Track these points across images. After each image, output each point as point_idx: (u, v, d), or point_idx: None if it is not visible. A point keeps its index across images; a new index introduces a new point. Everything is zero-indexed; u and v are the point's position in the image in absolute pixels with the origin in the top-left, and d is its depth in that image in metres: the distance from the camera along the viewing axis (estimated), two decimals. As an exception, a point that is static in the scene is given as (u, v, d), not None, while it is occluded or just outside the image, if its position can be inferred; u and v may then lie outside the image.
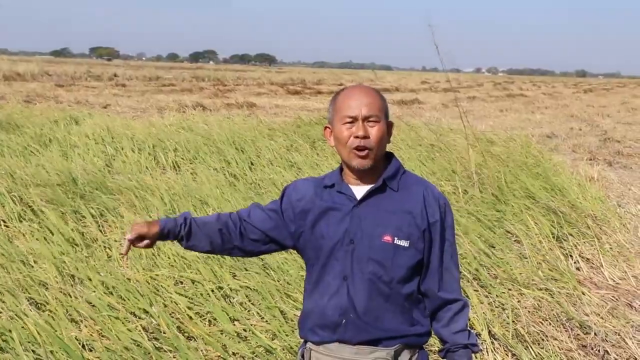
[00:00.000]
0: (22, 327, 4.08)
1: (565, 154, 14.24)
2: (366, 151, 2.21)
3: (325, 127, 2.35)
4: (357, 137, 2.20)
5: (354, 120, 2.21)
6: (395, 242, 2.21)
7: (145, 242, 2.29)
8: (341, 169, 2.35)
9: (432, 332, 2.38)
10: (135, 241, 2.28)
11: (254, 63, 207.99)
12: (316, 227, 2.30)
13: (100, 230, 6.31)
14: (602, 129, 20.53)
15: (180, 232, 2.34)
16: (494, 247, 6.09)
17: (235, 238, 2.39)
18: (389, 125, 2.29)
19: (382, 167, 2.28)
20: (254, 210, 2.42)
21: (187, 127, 13.16)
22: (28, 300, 4.65)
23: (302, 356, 2.36)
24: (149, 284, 4.85)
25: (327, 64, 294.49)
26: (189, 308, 4.61)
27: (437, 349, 2.78)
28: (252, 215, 2.40)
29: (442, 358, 2.36)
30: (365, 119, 2.21)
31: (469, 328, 2.35)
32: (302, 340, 2.41)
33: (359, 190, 2.27)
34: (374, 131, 2.21)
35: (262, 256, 5.36)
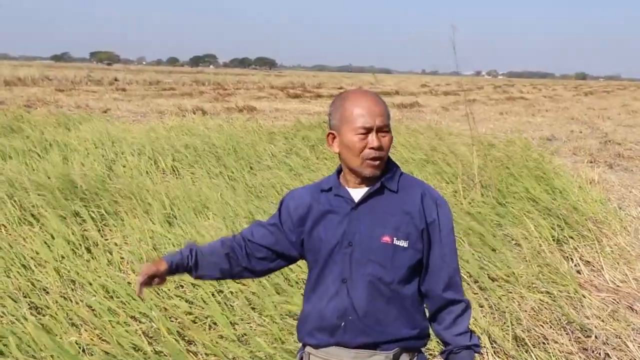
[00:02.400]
0: (23, 331, 4.08)
1: (565, 157, 14.24)
2: (379, 161, 2.22)
3: (329, 134, 2.31)
4: (372, 148, 2.19)
5: (368, 131, 2.20)
6: (394, 242, 2.21)
7: (156, 280, 2.31)
8: (338, 173, 2.35)
9: (432, 334, 2.38)
10: (146, 282, 2.30)
11: (254, 67, 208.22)
12: (314, 230, 2.30)
13: (101, 234, 6.31)
14: (602, 131, 20.53)
15: (188, 263, 2.35)
16: (494, 250, 6.08)
17: (242, 260, 2.40)
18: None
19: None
20: (256, 228, 2.43)
21: (187, 131, 13.16)
22: (29, 305, 4.64)
23: (301, 359, 2.37)
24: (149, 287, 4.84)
25: (327, 67, 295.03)
26: (189, 312, 4.61)
27: (435, 353, 2.78)
28: (255, 233, 2.41)
29: (444, 359, 2.36)
30: (379, 129, 2.21)
31: (470, 329, 2.34)
32: (300, 345, 2.41)
33: (357, 192, 2.27)
34: (385, 141, 2.22)
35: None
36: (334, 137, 2.28)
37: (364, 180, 2.26)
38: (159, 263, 2.32)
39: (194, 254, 2.37)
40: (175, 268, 2.34)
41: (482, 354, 4.30)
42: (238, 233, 2.47)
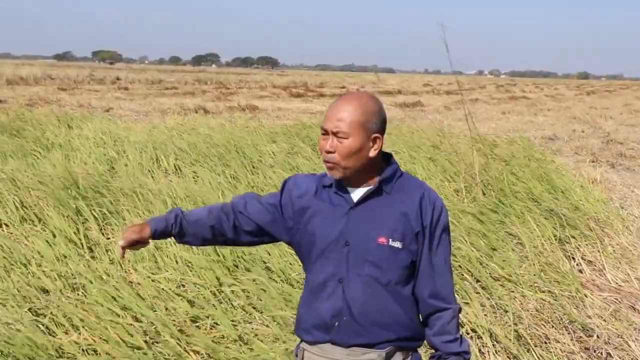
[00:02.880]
0: (21, 330, 4.07)
1: (567, 156, 14.23)
2: (331, 164, 2.23)
3: None
4: (324, 150, 2.23)
5: (326, 133, 2.23)
6: (390, 243, 2.22)
7: (139, 245, 2.34)
8: None
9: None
10: (128, 247, 2.30)
11: (256, 66, 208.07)
12: (309, 225, 2.30)
13: (103, 234, 6.31)
14: (604, 130, 20.50)
15: (172, 231, 2.37)
16: (495, 249, 6.08)
17: (228, 231, 2.40)
18: (374, 140, 2.23)
19: (377, 169, 2.28)
20: (251, 201, 2.41)
21: (189, 130, 13.16)
22: (29, 305, 4.64)
23: (297, 356, 2.38)
24: (150, 287, 4.84)
25: (330, 66, 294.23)
26: (190, 312, 4.60)
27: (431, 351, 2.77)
28: (249, 207, 2.40)
29: None
30: (335, 134, 2.21)
31: (460, 335, 2.34)
32: (299, 340, 2.42)
33: (356, 192, 2.28)
34: (340, 147, 2.20)
35: (265, 259, 5.36)
36: None
37: (351, 181, 2.27)
38: (143, 229, 2.33)
39: (178, 222, 2.37)
40: (160, 234, 2.36)
41: (482, 351, 4.29)
42: (229, 202, 2.45)
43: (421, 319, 2.34)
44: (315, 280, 2.30)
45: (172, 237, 2.40)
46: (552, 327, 4.82)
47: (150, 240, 2.36)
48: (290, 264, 5.23)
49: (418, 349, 2.36)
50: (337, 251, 2.24)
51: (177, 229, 2.36)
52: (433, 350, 2.36)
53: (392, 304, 2.25)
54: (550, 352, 4.46)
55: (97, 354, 3.96)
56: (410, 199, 2.26)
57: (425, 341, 2.36)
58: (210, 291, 4.81)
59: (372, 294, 2.23)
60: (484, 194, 7.90)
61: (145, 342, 4.10)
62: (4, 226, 6.47)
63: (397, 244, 2.22)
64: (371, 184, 2.27)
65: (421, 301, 2.30)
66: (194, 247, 4.85)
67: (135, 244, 2.32)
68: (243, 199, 2.43)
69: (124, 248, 2.30)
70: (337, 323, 2.24)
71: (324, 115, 2.26)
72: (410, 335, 2.29)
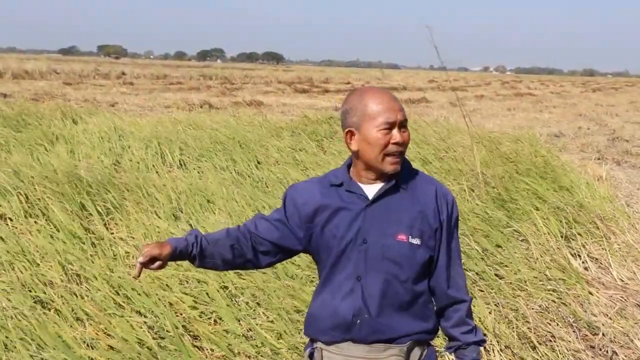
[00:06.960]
0: (27, 325, 4.07)
1: (573, 153, 14.18)
2: (401, 157, 2.24)
3: (348, 131, 2.27)
4: (395, 143, 2.21)
5: (391, 126, 2.21)
6: (409, 240, 2.22)
7: (158, 263, 2.25)
8: (348, 167, 2.33)
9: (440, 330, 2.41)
10: (147, 263, 2.23)
11: (261, 61, 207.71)
12: (326, 227, 2.28)
13: (107, 228, 6.30)
14: (610, 128, 20.46)
15: (192, 251, 2.31)
16: (500, 247, 6.05)
17: (247, 252, 2.37)
18: None
19: None
20: (259, 221, 2.40)
21: (194, 125, 13.15)
22: (33, 299, 4.64)
23: (311, 356, 2.34)
24: (154, 282, 4.84)
25: (335, 62, 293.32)
26: (194, 307, 4.59)
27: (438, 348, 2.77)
28: (259, 227, 2.38)
29: (452, 354, 2.38)
30: (401, 125, 2.23)
31: (475, 324, 2.38)
32: (307, 340, 2.40)
33: (370, 189, 2.26)
34: (406, 136, 2.25)
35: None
36: (353, 135, 2.26)
37: (381, 177, 2.26)
38: (163, 246, 2.26)
39: (199, 242, 2.32)
40: (179, 254, 2.29)
41: (487, 349, 4.28)
42: (242, 224, 2.43)
43: (437, 311, 2.36)
44: (333, 280, 2.28)
45: (192, 260, 2.33)
46: (557, 325, 4.80)
47: (167, 262, 2.28)
48: (293, 260, 5.21)
49: (431, 342, 2.37)
50: (355, 250, 2.23)
51: (198, 248, 2.31)
52: (448, 341, 2.39)
53: (411, 300, 2.25)
54: (555, 350, 4.44)
55: (102, 348, 3.96)
56: (424, 196, 2.27)
57: (436, 334, 2.38)
58: (215, 287, 4.79)
59: (391, 291, 2.22)
60: (487, 191, 7.87)
61: (150, 336, 4.10)
62: (8, 220, 6.47)
63: (417, 241, 2.23)
64: (385, 180, 2.26)
65: (439, 294, 2.32)
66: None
67: (153, 262, 2.24)
68: (252, 221, 2.42)
69: (142, 264, 2.22)
70: (358, 321, 2.22)
71: (370, 112, 2.21)
72: (427, 329, 2.30)
